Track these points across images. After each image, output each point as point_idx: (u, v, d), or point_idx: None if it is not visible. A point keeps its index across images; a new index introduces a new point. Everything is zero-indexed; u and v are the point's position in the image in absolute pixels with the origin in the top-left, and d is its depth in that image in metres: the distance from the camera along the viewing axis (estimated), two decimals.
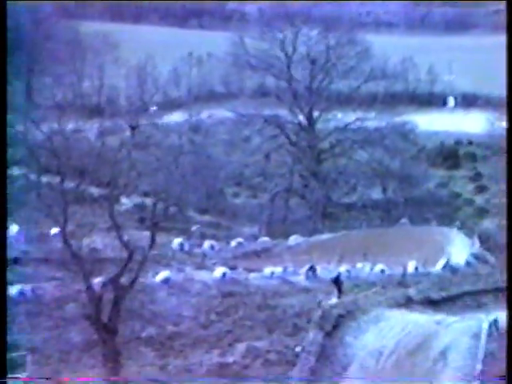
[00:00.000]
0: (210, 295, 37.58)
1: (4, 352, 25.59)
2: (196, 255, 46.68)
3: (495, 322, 33.19)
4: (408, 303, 37.73)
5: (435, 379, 30.23)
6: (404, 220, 59.26)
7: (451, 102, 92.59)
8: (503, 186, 72.64)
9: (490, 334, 32.25)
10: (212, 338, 33.42)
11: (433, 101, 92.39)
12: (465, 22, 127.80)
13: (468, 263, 46.76)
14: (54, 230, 41.18)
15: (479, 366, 29.78)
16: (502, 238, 56.34)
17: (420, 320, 34.77)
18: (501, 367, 29.53)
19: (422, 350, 32.02)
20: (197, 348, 32.49)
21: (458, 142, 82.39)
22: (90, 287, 31.78)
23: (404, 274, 43.21)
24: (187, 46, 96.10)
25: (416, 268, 44.51)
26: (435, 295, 38.73)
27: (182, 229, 52.68)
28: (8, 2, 31.93)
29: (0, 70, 29.61)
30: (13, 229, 43.14)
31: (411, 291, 39.32)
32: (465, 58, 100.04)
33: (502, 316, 34.10)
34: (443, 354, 31.31)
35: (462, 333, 32.88)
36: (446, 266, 45.29)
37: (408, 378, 30.18)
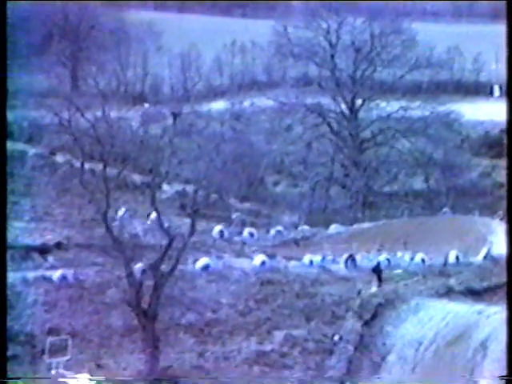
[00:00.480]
0: (248, 283, 37.76)
1: (4, 352, 25.61)
2: (236, 243, 46.88)
3: None
4: (449, 293, 37.52)
5: (475, 370, 30.03)
6: (446, 209, 58.85)
7: (497, 91, 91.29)
8: None
9: None
10: (250, 325, 33.59)
11: (478, 90, 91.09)
12: None
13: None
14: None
15: None
16: None
17: (460, 310, 34.55)
18: None
19: (462, 340, 31.83)
20: (235, 335, 32.69)
21: (502, 131, 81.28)
22: (130, 273, 32.17)
23: (445, 264, 43.01)
24: (230, 35, 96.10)
25: (457, 258, 44.25)
26: (476, 285, 38.47)
27: (222, 216, 52.89)
28: (8, 2, 32.40)
29: (0, 68, 30.10)
30: None
31: (452, 281, 39.11)
32: None
33: None
34: (483, 344, 31.08)
35: (503, 323, 32.54)
36: (488, 255, 44.92)
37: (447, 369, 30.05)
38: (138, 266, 34.10)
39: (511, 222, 38.40)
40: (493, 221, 53.57)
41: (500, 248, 46.71)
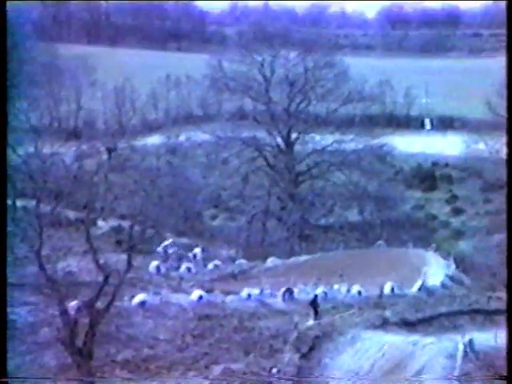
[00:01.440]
0: (186, 318, 37.45)
1: (4, 352, 24.38)
2: (173, 278, 46.56)
3: (470, 343, 33.30)
4: (384, 324, 37.78)
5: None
6: (380, 242, 59.51)
7: (428, 124, 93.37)
8: (479, 209, 73.52)
9: (465, 355, 32.36)
10: (188, 360, 33.28)
11: (410, 123, 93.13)
12: (441, 44, 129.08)
13: (443, 285, 46.98)
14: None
15: None
16: (478, 259, 56.99)
17: (396, 341, 34.82)
18: None
19: (398, 370, 32.08)
20: (173, 370, 32.34)
21: (434, 164, 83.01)
22: (64, 311, 31.57)
23: (380, 296, 43.35)
24: (165, 69, 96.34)
25: (392, 289, 44.66)
26: (411, 316, 38.84)
27: (159, 251, 52.54)
28: (8, 2, 32.09)
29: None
30: None
31: (387, 313, 39.39)
32: (441, 80, 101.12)
33: (477, 337, 34.30)
34: (419, 374, 31.37)
35: (438, 354, 32.96)
36: (422, 287, 45.50)
37: None
38: (72, 304, 33.53)
39: (511, 222, 38.94)
40: (426, 253, 54.38)
41: (434, 279, 47.48)
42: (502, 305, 42.04)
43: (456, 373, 30.66)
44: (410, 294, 44.65)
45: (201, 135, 74.75)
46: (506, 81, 42.21)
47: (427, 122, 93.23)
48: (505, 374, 27.28)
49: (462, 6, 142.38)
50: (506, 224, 43.03)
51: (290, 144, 69.43)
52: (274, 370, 31.83)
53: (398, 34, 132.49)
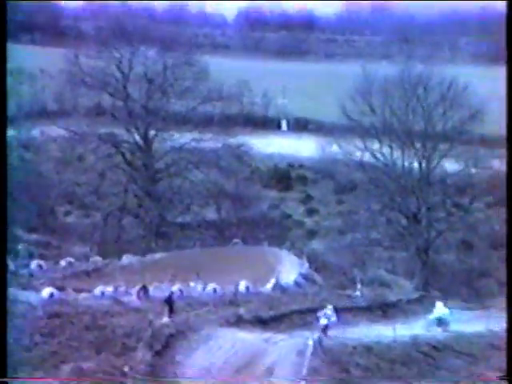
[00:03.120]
0: (35, 316, 36.36)
1: (4, 352, 25.13)
2: (22, 275, 45.15)
3: (320, 339, 34.12)
4: (238, 322, 38.16)
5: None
6: (237, 240, 60.05)
7: (284, 125, 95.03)
8: (332, 209, 75.51)
9: (314, 351, 33.12)
10: (35, 360, 32.31)
11: (267, 124, 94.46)
12: (298, 47, 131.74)
13: (296, 283, 47.92)
14: None
15: (303, 383, 30.47)
16: (330, 258, 58.58)
17: (249, 338, 35.21)
18: (324, 382, 30.47)
19: (250, 367, 32.42)
20: (18, 371, 31.26)
21: (290, 165, 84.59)
22: None
23: (235, 293, 43.72)
24: (18, 62, 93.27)
25: (247, 287, 45.13)
26: (264, 314, 39.42)
27: (8, 248, 50.77)
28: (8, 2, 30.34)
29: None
30: None
31: (242, 310, 39.81)
32: (298, 82, 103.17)
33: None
34: (269, 370, 31.82)
35: (289, 350, 33.57)
36: (276, 285, 46.23)
37: None
38: None
39: (511, 221, 39.68)
40: (281, 251, 55.31)
41: (288, 277, 48.36)
42: (351, 303, 43.49)
43: (304, 370, 31.31)
44: (265, 291, 45.29)
45: (56, 130, 72.83)
46: (506, 84, 43.56)
47: (283, 123, 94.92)
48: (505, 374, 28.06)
49: (317, 11, 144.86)
50: (506, 224, 44.48)
51: (148, 141, 68.81)
52: (126, 369, 31.44)
53: (256, 35, 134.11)
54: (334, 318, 35.79)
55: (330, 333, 35.52)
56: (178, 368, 32.46)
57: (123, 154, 68.42)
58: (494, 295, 54.70)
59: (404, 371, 33.26)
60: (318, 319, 35.94)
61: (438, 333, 38.07)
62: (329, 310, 36.03)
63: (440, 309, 39.37)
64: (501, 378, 29.63)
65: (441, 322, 39.00)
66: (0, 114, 28.50)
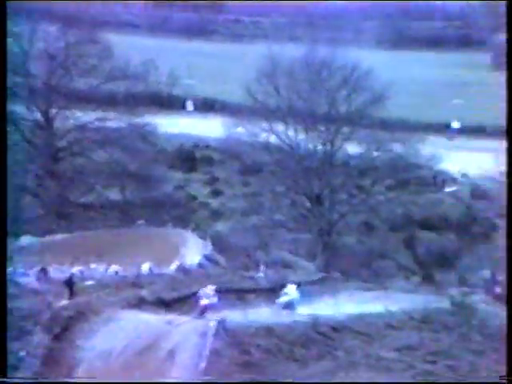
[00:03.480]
0: None
1: (4, 352, 25.79)
2: None
3: (222, 321, 34.23)
4: (141, 304, 37.97)
5: (164, 377, 30.56)
6: (141, 221, 59.53)
7: (190, 105, 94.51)
8: (237, 191, 75.68)
9: (216, 333, 33.23)
10: None
11: (173, 103, 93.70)
12: (204, 28, 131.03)
13: (200, 264, 47.93)
14: None
15: (203, 364, 30.55)
16: (234, 240, 58.80)
17: (152, 320, 35.08)
18: (225, 364, 30.62)
19: (152, 349, 32.32)
20: None
21: (195, 146, 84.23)
22: None
23: (138, 275, 43.43)
24: None
25: (150, 269, 44.88)
26: (167, 296, 39.29)
27: None
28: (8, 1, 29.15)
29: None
30: None
31: (144, 292, 39.63)
32: (204, 63, 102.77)
33: (228, 315, 35.34)
34: (171, 353, 31.80)
35: (191, 332, 33.61)
36: (180, 267, 46.14)
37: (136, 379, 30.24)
38: None
39: (511, 221, 39.68)
40: (185, 233, 55.14)
41: (191, 259, 48.32)
42: (254, 284, 43.80)
43: (207, 351, 31.41)
44: (168, 273, 45.11)
45: None
46: (506, 83, 43.83)
47: (189, 103, 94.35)
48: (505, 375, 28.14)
49: None
50: (506, 225, 44.84)
51: (49, 119, 67.16)
52: (22, 353, 30.85)
53: (162, 14, 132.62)
54: (214, 299, 35.42)
55: (233, 314, 35.70)
56: (78, 352, 32.07)
57: (23, 132, 66.61)
58: (392, 276, 56.10)
59: (303, 352, 33.74)
60: (197, 300, 35.56)
61: (329, 314, 38.32)
62: (209, 289, 35.71)
63: (291, 292, 38.35)
64: (501, 378, 30.02)
65: (288, 304, 38.01)
66: (0, 113, 28.19)
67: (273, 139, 63.16)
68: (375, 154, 61.12)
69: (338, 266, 55.37)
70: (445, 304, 42.35)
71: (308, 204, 61.19)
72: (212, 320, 33.68)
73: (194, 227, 57.39)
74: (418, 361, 34.51)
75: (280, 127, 62.99)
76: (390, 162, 60.32)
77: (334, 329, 36.42)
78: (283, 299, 37.96)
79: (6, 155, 28.27)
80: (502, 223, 50.53)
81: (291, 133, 62.47)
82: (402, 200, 66.05)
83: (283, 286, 40.07)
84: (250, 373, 31.14)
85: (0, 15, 28.99)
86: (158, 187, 70.24)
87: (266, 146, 63.37)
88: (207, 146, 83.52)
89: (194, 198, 74.83)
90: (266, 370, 31.61)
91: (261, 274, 46.33)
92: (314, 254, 57.12)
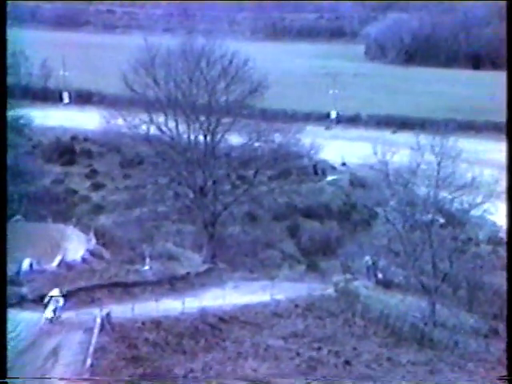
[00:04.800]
0: None
1: (4, 352, 25.37)
2: None
3: (108, 316, 33.54)
4: (22, 302, 36.77)
5: (47, 375, 29.51)
6: (19, 217, 57.63)
7: (66, 97, 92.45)
8: (118, 184, 74.44)
9: (102, 328, 32.51)
10: None
11: (47, 96, 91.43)
12: (76, 18, 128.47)
13: (84, 259, 46.82)
14: None
15: (89, 361, 29.78)
16: (118, 233, 57.85)
17: (33, 319, 34.00)
18: (112, 359, 29.94)
19: (34, 348, 31.25)
20: None
21: (73, 138, 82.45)
22: None
23: (18, 272, 42.00)
24: None
25: (31, 265, 43.46)
26: (47, 292, 38.01)
27: None
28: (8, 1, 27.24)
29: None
30: None
31: (25, 289, 38.38)
32: (78, 54, 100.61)
33: (115, 309, 34.65)
34: (55, 350, 30.84)
35: (75, 328, 32.77)
36: (62, 262, 44.93)
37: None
38: None
39: (511, 219, 38.74)
40: (66, 227, 53.76)
41: (74, 254, 47.10)
42: (140, 277, 43.18)
43: (91, 348, 30.63)
44: (50, 269, 43.81)
45: None
46: (506, 82, 43.17)
47: (65, 95, 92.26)
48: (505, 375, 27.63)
49: None
50: (506, 226, 44.06)
51: None
52: None
53: (31, 5, 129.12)
54: (61, 302, 34.28)
55: (120, 309, 35.03)
56: None
57: None
58: (277, 266, 56.55)
59: (191, 344, 33.47)
60: (45, 306, 34.12)
61: (216, 305, 38.08)
62: (55, 293, 34.47)
63: (55, 297, 34.63)
64: (501, 378, 29.99)
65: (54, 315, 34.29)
66: (0, 113, 27.09)
67: (153, 131, 62.28)
68: (256, 144, 61.25)
69: (224, 257, 55.34)
70: (329, 291, 43.09)
71: (192, 195, 60.80)
72: (97, 315, 32.92)
73: (75, 222, 56.02)
74: (304, 348, 34.89)
75: (160, 118, 62.19)
76: (271, 153, 60.57)
77: (222, 320, 36.35)
78: (49, 310, 34.26)
79: (6, 154, 27.29)
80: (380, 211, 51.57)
81: (172, 124, 61.76)
82: (284, 190, 66.67)
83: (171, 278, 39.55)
84: (138, 367, 30.58)
85: (0, 15, 28.03)
86: (35, 181, 68.32)
87: (147, 138, 62.41)
88: (86, 139, 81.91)
89: (75, 191, 73.24)
90: (154, 364, 31.12)
91: (146, 267, 45.74)
92: (199, 246, 56.82)
